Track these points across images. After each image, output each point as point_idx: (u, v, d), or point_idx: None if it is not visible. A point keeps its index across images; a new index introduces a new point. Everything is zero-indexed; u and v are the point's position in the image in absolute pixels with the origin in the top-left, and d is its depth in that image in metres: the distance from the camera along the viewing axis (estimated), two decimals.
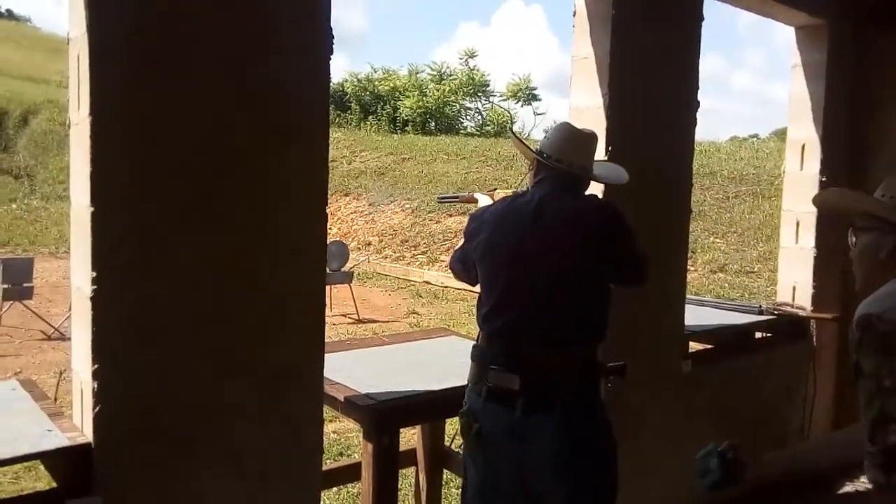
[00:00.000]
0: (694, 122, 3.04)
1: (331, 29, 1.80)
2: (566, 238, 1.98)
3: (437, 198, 3.66)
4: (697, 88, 3.01)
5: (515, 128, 28.77)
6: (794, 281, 4.01)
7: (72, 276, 1.65)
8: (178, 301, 1.65)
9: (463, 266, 2.21)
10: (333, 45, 1.80)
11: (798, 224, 3.98)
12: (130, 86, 1.55)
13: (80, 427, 1.63)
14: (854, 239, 1.48)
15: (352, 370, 2.43)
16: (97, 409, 1.55)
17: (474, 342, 2.12)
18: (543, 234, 1.99)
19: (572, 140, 2.13)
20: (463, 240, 2.19)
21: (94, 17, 1.48)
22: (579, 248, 1.98)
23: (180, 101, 1.62)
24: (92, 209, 1.51)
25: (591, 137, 2.18)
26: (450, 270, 2.35)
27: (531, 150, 2.17)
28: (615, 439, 2.03)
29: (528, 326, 1.97)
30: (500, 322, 2.01)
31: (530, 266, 1.99)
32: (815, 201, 1.73)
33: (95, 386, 1.54)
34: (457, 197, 3.04)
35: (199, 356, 1.69)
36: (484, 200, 2.52)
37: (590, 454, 1.95)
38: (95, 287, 1.52)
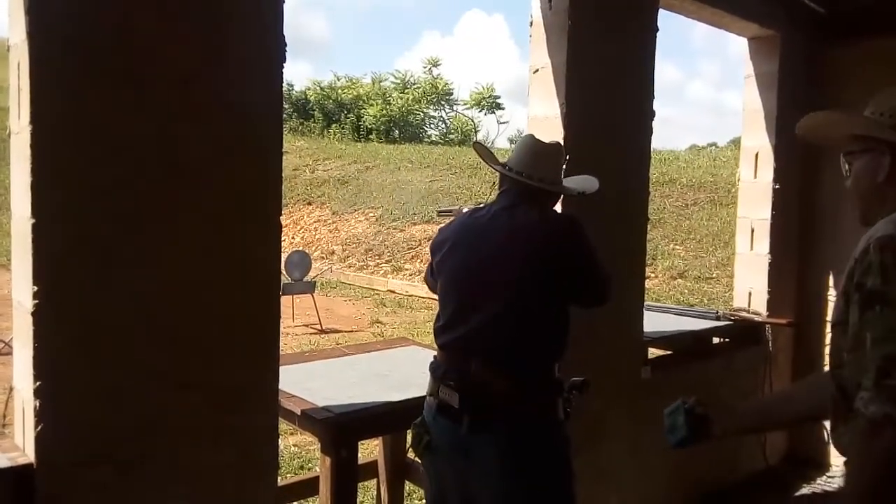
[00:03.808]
0: (650, 131, 3.08)
1: (283, 37, 1.78)
2: (512, 255, 1.94)
3: (437, 210, 3.76)
4: (653, 98, 3.06)
5: (479, 136, 28.91)
6: (749, 287, 4.08)
7: (13, 290, 1.59)
8: (126, 316, 1.60)
9: (432, 279, 2.20)
10: (286, 54, 1.78)
11: (753, 231, 4.06)
12: (74, 95, 1.50)
13: (22, 447, 1.57)
14: (847, 167, 1.37)
15: (310, 382, 2.40)
16: (39, 428, 1.49)
17: (435, 354, 2.10)
18: (491, 251, 1.96)
19: (533, 151, 2.10)
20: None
21: (35, 24, 1.43)
22: (525, 266, 1.92)
23: (128, 111, 1.58)
24: (33, 221, 1.46)
25: (554, 149, 2.15)
26: (426, 284, 2.33)
27: (495, 161, 2.16)
28: (570, 462, 1.98)
29: (473, 345, 1.93)
30: (448, 338, 1.99)
31: (478, 283, 1.96)
32: (801, 129, 1.52)
33: (37, 404, 1.49)
34: (450, 210, 3.04)
35: (149, 373, 1.64)
36: None
37: (537, 478, 1.90)
38: (37, 302, 1.47)
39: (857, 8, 3.96)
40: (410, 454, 3.04)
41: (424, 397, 2.07)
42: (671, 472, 3.41)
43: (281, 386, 1.90)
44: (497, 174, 2.17)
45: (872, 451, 1.14)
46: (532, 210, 2.01)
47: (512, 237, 1.96)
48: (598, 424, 2.93)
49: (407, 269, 12.34)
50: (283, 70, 1.79)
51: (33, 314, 1.47)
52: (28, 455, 1.53)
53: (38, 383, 1.49)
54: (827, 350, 4.28)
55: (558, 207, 2.59)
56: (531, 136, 2.19)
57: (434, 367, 2.03)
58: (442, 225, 2.22)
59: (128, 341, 1.60)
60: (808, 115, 1.48)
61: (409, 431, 2.09)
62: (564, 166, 2.61)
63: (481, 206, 2.15)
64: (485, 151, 2.22)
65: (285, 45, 1.78)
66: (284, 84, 1.85)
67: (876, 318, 1.15)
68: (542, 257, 1.93)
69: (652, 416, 3.22)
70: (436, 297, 2.13)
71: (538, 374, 1.95)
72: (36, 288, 1.47)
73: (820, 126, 1.52)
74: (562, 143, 2.66)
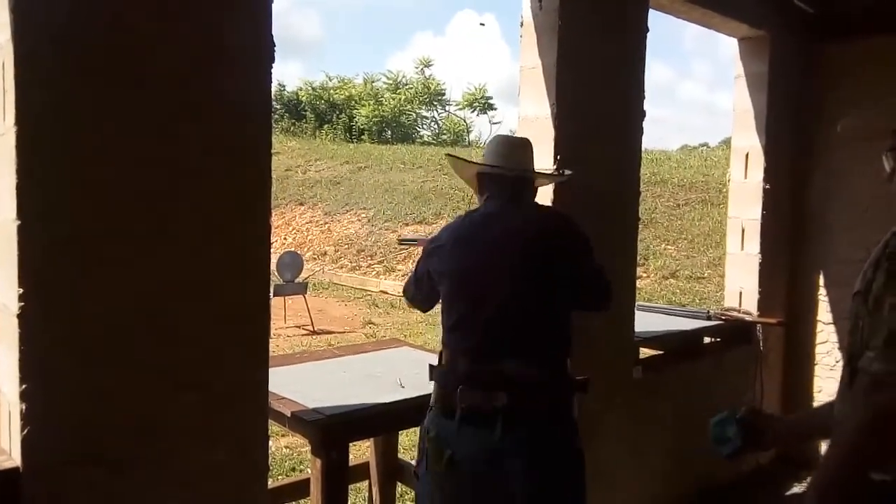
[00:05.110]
0: (640, 131, 3.08)
1: (272, 37, 1.77)
2: (513, 253, 1.95)
3: (398, 240, 3.66)
4: (643, 98, 3.06)
5: (471, 136, 28.95)
6: (740, 286, 4.09)
7: None
8: (114, 318, 1.58)
9: (417, 289, 2.16)
10: (274, 53, 1.77)
11: (743, 231, 4.07)
12: (61, 95, 1.48)
13: (8, 451, 1.55)
14: (892, 163, 1.38)
15: (301, 384, 2.39)
16: (25, 431, 1.48)
17: (435, 364, 2.04)
18: (494, 251, 1.96)
19: (506, 145, 2.13)
20: (419, 263, 2.13)
21: (20, 24, 1.42)
22: (528, 263, 1.94)
23: (116, 111, 1.56)
24: (18, 223, 1.44)
25: (525, 141, 2.19)
26: (404, 298, 2.29)
27: (472, 162, 2.17)
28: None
29: (498, 343, 1.91)
30: (470, 339, 1.95)
31: (490, 282, 1.94)
32: (844, 128, 1.55)
33: (24, 407, 1.47)
34: (415, 240, 3.00)
35: (137, 375, 1.62)
36: None
37: (564, 476, 1.92)
38: (23, 304, 1.46)
39: (850, 8, 3.98)
40: (402, 455, 3.04)
41: (415, 398, 2.06)
42: (665, 472, 3.42)
43: (271, 388, 1.89)
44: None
45: (869, 405, 1.18)
46: (523, 207, 2.04)
47: (510, 238, 1.96)
48: (591, 424, 2.92)
49: (399, 270, 12.33)
50: (273, 69, 1.77)
51: (19, 316, 1.46)
52: (14, 458, 1.51)
53: (23, 386, 1.47)
54: (818, 349, 4.28)
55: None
56: (500, 135, 2.22)
57: (445, 374, 1.97)
58: (431, 235, 2.19)
59: (117, 342, 1.59)
60: (851, 116, 1.50)
61: (402, 433, 2.07)
62: (555, 166, 2.64)
63: (473, 210, 2.14)
64: (456, 160, 2.21)
65: (274, 44, 1.77)
66: (276, 84, 1.85)
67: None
68: (540, 255, 1.96)
69: (644, 415, 3.24)
70: (409, 306, 2.10)
71: (560, 369, 1.97)
72: (21, 290, 1.45)
73: (864, 126, 1.55)
74: (553, 142, 2.67)
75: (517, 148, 2.13)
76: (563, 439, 1.94)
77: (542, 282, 1.95)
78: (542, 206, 2.17)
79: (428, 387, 2.30)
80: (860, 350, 1.24)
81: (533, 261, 1.95)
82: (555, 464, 1.90)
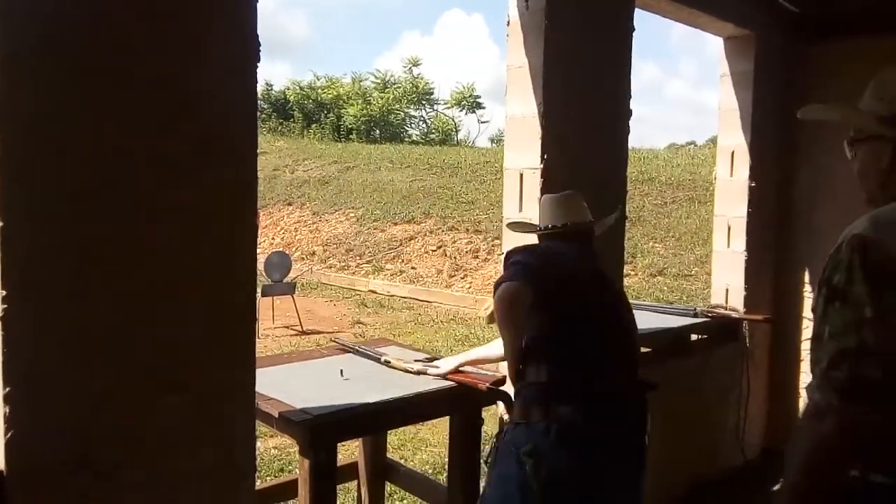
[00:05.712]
0: (627, 130, 3.09)
1: (257, 36, 1.76)
2: (613, 287, 2.34)
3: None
4: (630, 97, 3.07)
5: (460, 136, 28.99)
6: (726, 284, 4.12)
7: None
8: (99, 319, 1.57)
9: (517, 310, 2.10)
10: (260, 53, 1.76)
11: (729, 229, 4.10)
12: (47, 95, 1.47)
13: None
14: (853, 153, 1.43)
15: (289, 384, 2.38)
16: (9, 435, 1.46)
17: (529, 384, 2.04)
18: (601, 278, 2.27)
19: (559, 203, 2.31)
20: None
21: (4, 25, 1.40)
22: (621, 294, 2.37)
23: (101, 112, 1.55)
24: (1, 224, 1.43)
25: (570, 195, 2.35)
26: (501, 304, 2.13)
27: (535, 226, 2.36)
28: None
29: (613, 363, 2.15)
30: (586, 361, 2.08)
31: (601, 307, 2.22)
32: (802, 115, 1.66)
33: (7, 411, 1.46)
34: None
35: (123, 376, 1.61)
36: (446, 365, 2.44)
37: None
38: (5, 306, 1.44)
39: (836, 10, 4.01)
40: (390, 455, 3.03)
41: (403, 399, 2.04)
42: (653, 469, 3.42)
43: (259, 388, 1.88)
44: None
45: (812, 436, 1.23)
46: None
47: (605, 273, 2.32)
48: None
49: (388, 270, 12.31)
50: (258, 69, 1.77)
51: (2, 319, 1.44)
52: None
53: (7, 389, 1.45)
54: (803, 346, 4.32)
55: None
56: (553, 197, 2.35)
57: (570, 396, 2.01)
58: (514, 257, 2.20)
59: (102, 343, 1.57)
60: (808, 108, 1.57)
61: (391, 432, 2.07)
62: (541, 165, 2.65)
63: (547, 247, 2.29)
64: (517, 225, 2.43)
65: (259, 43, 1.76)
66: (264, 84, 1.84)
67: (835, 314, 1.22)
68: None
69: None
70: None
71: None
72: (4, 293, 1.44)
73: (821, 117, 1.63)
74: (540, 142, 2.68)
75: (570, 202, 2.32)
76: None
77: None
78: None
79: (412, 387, 2.31)
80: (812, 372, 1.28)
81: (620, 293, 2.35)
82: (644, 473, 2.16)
